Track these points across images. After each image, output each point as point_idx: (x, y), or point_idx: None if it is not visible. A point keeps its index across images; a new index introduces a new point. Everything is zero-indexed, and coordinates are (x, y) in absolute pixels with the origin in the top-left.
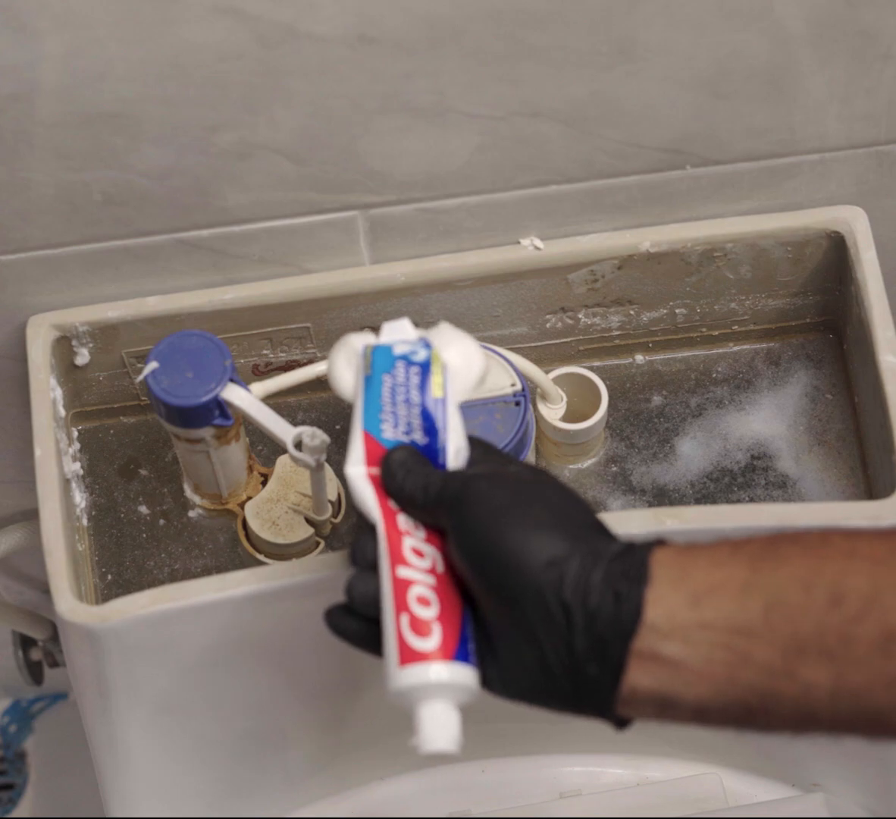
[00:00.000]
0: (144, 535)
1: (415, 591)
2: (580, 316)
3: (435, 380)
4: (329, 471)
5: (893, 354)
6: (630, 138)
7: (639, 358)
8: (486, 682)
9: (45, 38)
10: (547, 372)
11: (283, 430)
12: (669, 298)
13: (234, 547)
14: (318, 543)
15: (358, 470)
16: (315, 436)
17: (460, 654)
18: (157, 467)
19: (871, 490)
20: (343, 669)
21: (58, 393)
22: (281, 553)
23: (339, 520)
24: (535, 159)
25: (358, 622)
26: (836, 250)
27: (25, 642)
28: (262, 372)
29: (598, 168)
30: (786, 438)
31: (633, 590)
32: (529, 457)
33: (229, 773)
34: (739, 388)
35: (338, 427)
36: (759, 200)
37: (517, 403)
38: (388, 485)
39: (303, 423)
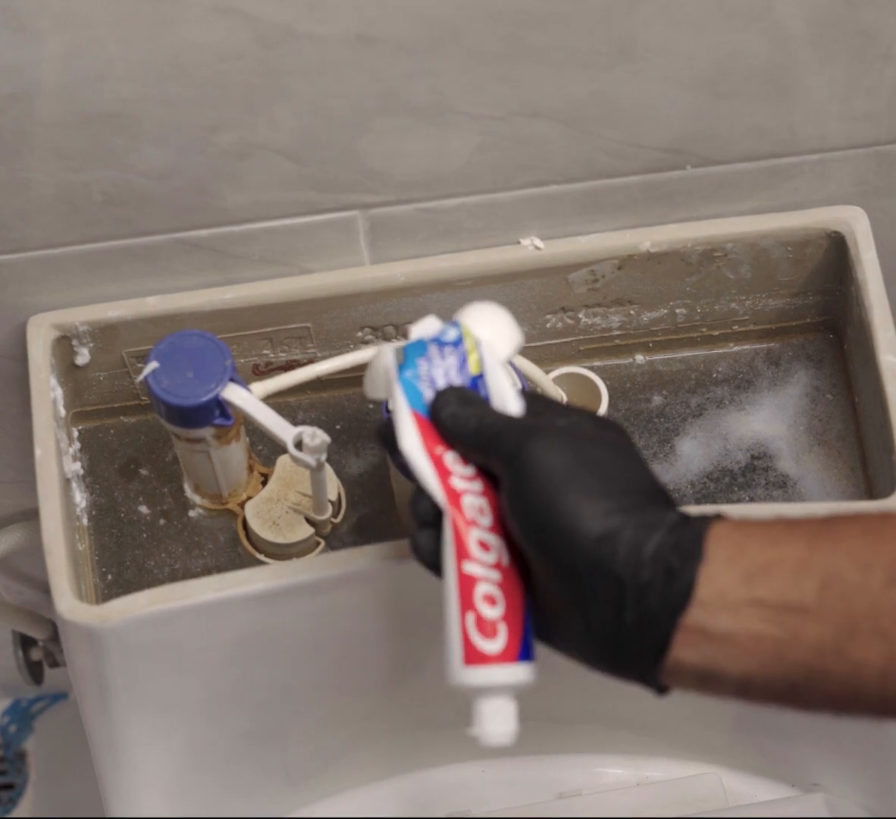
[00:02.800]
0: (145, 535)
1: (481, 589)
2: (580, 316)
3: (471, 357)
4: (329, 470)
5: (894, 354)
6: (630, 138)
7: (639, 358)
8: (534, 629)
9: (45, 38)
10: (547, 372)
11: (283, 429)
12: (670, 298)
13: (234, 547)
14: (318, 543)
15: (415, 447)
16: (315, 436)
17: (523, 655)
18: (157, 467)
19: (871, 490)
20: (343, 669)
21: (58, 393)
22: (281, 553)
23: (339, 520)
24: (535, 159)
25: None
26: (837, 250)
27: (25, 642)
28: (262, 372)
29: (598, 168)
30: (786, 438)
31: (686, 566)
32: None
33: (229, 773)
34: (740, 388)
35: (338, 427)
36: (759, 200)
37: None
38: (440, 425)
39: (303, 422)
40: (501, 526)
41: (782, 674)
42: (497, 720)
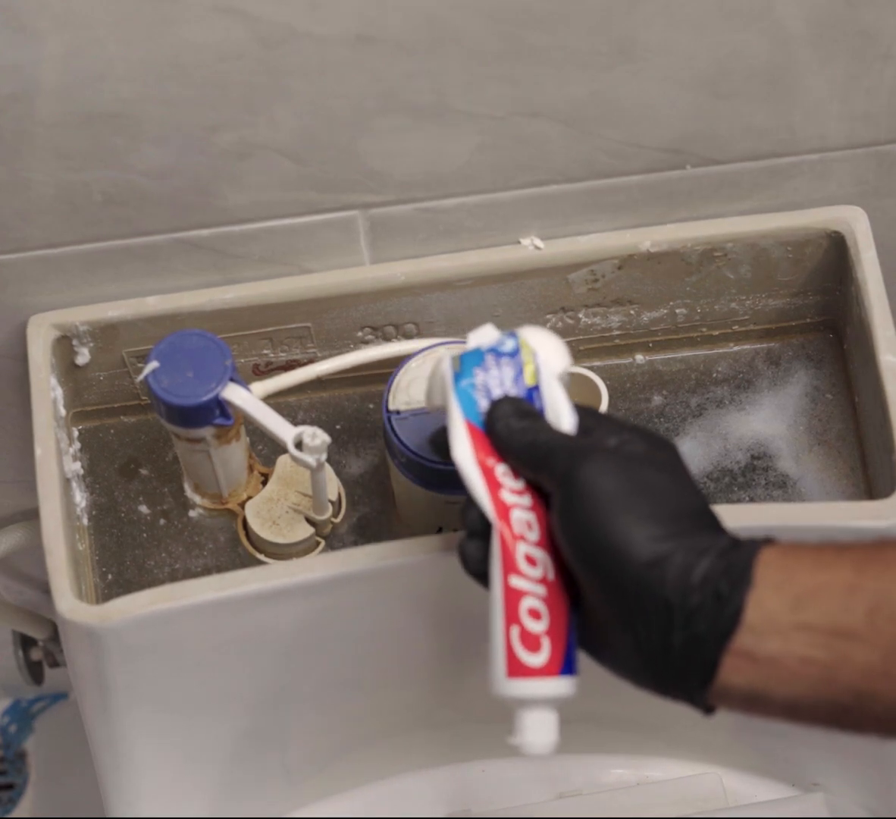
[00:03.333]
0: (145, 535)
1: (526, 604)
2: (580, 316)
3: (527, 369)
4: (329, 471)
5: (894, 354)
6: (630, 138)
7: (639, 358)
8: (580, 643)
9: (45, 38)
10: None
11: (283, 429)
12: (669, 298)
13: (234, 546)
14: (318, 543)
15: (467, 458)
16: (315, 436)
17: (566, 668)
18: (157, 467)
19: (871, 490)
20: (343, 669)
21: (58, 392)
22: (281, 553)
23: (339, 520)
24: (535, 159)
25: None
26: (837, 250)
27: (25, 642)
28: (262, 372)
29: (598, 168)
30: (786, 438)
31: (735, 592)
32: None
33: (229, 773)
34: (739, 388)
35: (338, 427)
36: (759, 200)
37: None
38: (494, 436)
39: (303, 422)
40: (549, 541)
41: (830, 697)
42: (538, 731)
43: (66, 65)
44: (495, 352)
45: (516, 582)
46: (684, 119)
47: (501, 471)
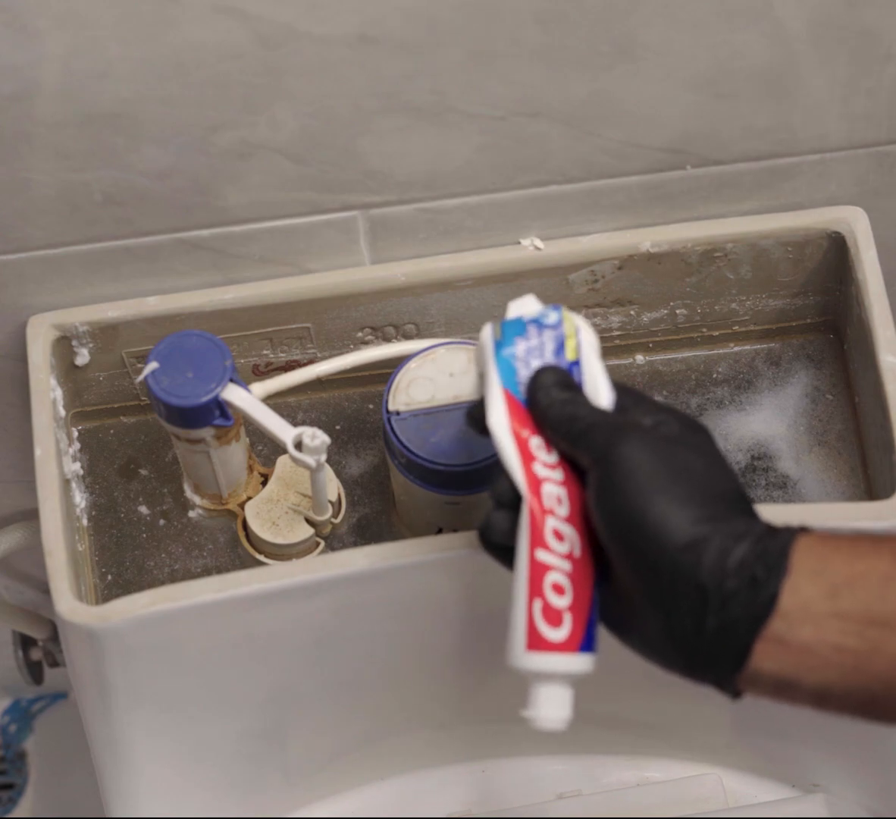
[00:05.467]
0: (144, 536)
1: (551, 578)
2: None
3: (569, 343)
4: (329, 471)
5: (894, 355)
6: (630, 138)
7: (639, 358)
8: (607, 623)
9: (46, 38)
10: None
11: (283, 430)
12: (670, 299)
13: (234, 547)
14: (318, 544)
15: (502, 426)
16: (315, 436)
17: (585, 645)
18: (157, 467)
19: (871, 490)
20: (343, 669)
21: (58, 393)
22: (281, 553)
23: (339, 520)
24: (535, 159)
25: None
26: (837, 250)
27: (25, 642)
28: (262, 372)
29: (598, 168)
30: (786, 439)
31: (771, 577)
32: None
33: (229, 773)
34: (740, 388)
35: (338, 427)
36: (759, 200)
37: None
38: (534, 404)
39: (303, 423)
40: (579, 517)
41: (862, 685)
42: (552, 705)
43: (66, 65)
44: (538, 323)
45: (543, 556)
46: (685, 119)
47: (536, 444)
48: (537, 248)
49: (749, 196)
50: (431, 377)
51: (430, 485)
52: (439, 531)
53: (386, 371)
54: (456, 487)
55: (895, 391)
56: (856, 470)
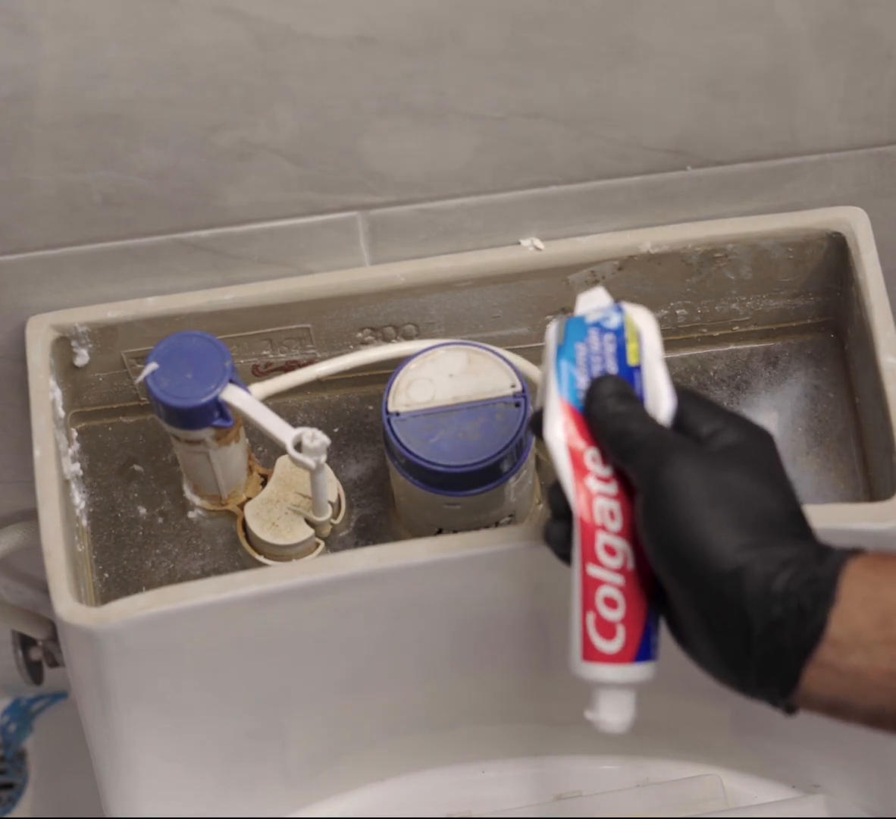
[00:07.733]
0: (144, 536)
1: (602, 592)
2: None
3: (630, 347)
4: (329, 472)
5: (894, 355)
6: (631, 139)
7: None
8: (670, 631)
9: (45, 38)
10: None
11: (282, 431)
12: (670, 299)
13: (233, 548)
14: (317, 545)
15: (558, 440)
16: (315, 437)
17: (641, 655)
18: (156, 468)
19: (871, 491)
20: (343, 669)
21: (57, 393)
22: (281, 554)
23: (338, 521)
24: (536, 160)
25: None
26: (837, 251)
27: (25, 642)
28: (261, 372)
29: (598, 169)
30: (785, 439)
31: (819, 606)
32: (530, 460)
33: (229, 773)
34: (739, 388)
35: (337, 428)
36: (760, 201)
37: (517, 404)
38: (590, 416)
39: (303, 423)
40: (631, 531)
41: None
42: (612, 710)
43: (66, 65)
44: (599, 327)
45: (594, 571)
46: (685, 120)
47: (591, 455)
48: (537, 249)
49: (749, 196)
50: (431, 378)
51: (429, 486)
52: (439, 532)
53: (386, 372)
54: (455, 488)
55: (895, 391)
56: (856, 470)
